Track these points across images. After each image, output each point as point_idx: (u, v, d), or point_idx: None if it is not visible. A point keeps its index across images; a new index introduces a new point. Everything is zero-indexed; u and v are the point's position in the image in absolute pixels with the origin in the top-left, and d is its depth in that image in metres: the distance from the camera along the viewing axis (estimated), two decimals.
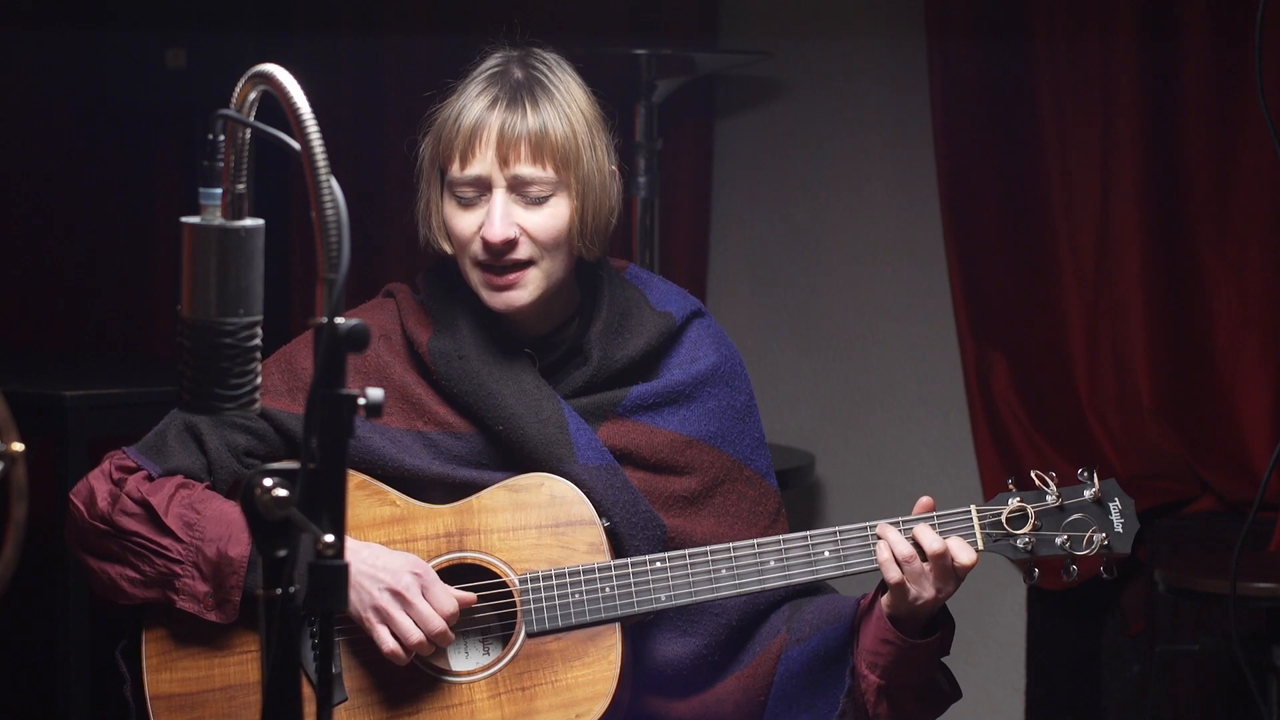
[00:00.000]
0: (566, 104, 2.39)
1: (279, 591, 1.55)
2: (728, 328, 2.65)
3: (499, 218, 2.36)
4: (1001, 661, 4.34)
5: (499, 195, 2.37)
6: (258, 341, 1.67)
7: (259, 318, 1.67)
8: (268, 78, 1.62)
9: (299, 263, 4.71)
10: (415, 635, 2.33)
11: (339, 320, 1.55)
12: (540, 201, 2.38)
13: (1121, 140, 4.10)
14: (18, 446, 1.53)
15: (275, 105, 1.63)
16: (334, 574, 1.54)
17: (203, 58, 4.40)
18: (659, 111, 4.35)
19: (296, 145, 1.59)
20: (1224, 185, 4.03)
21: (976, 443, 4.27)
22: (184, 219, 1.66)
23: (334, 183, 1.57)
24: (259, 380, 1.68)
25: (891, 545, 2.29)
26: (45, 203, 4.65)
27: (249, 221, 1.66)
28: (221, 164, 1.65)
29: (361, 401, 1.55)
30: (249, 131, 1.65)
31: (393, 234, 4.59)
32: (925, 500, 2.36)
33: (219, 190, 1.65)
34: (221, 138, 1.65)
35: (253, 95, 1.66)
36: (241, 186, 1.65)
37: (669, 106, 4.41)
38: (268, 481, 1.56)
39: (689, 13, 4.62)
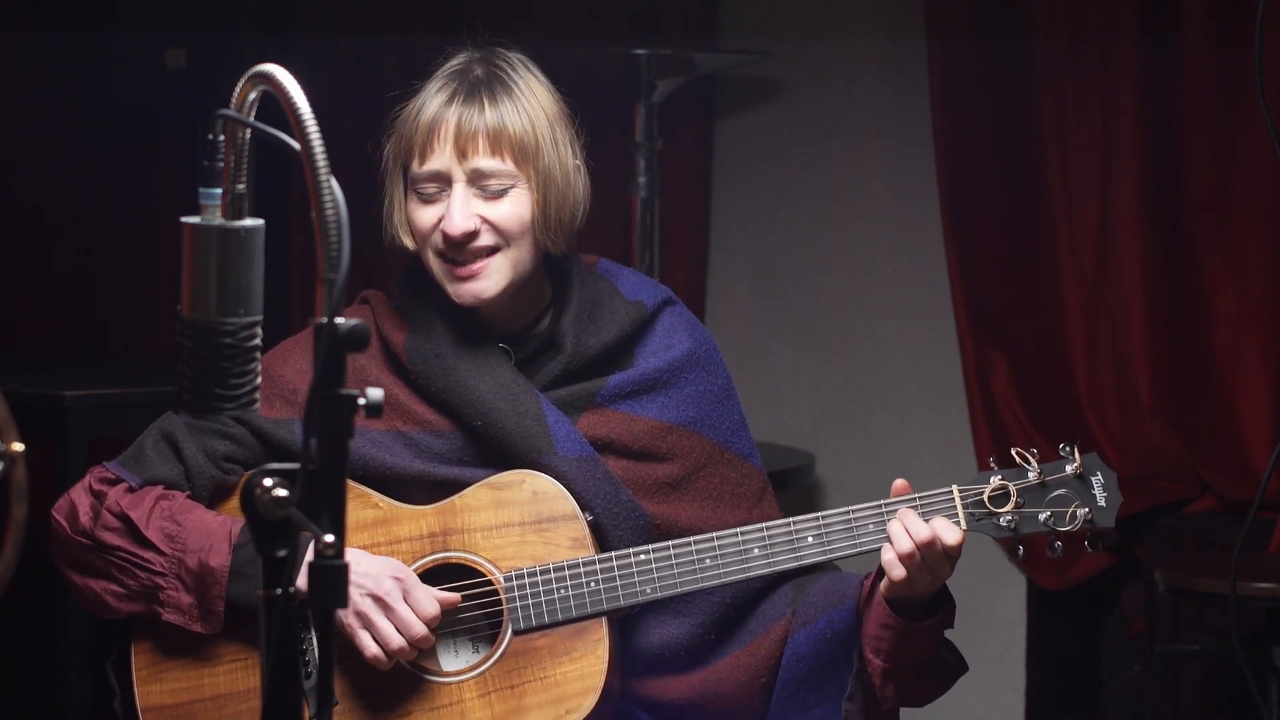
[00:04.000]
0: (526, 98, 2.40)
1: (279, 592, 1.55)
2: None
3: (458, 211, 2.38)
4: (1001, 661, 4.34)
5: (458, 189, 2.39)
6: (258, 341, 1.68)
7: (259, 318, 1.67)
8: (268, 78, 1.62)
9: (299, 262, 4.71)
10: (396, 641, 2.34)
11: (339, 320, 1.54)
12: (500, 194, 2.39)
13: (1121, 140, 4.10)
14: (18, 446, 1.52)
15: (275, 105, 1.63)
16: (334, 574, 1.54)
17: (203, 58, 4.40)
18: (659, 111, 4.35)
19: (296, 145, 1.59)
20: (1224, 185, 4.03)
21: (976, 443, 4.27)
22: (184, 219, 1.66)
23: (334, 183, 1.57)
24: (259, 380, 1.68)
25: (896, 548, 2.29)
26: (45, 203, 4.64)
27: (249, 221, 1.66)
28: (221, 164, 1.65)
29: (361, 402, 1.55)
30: (249, 131, 1.65)
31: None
32: (901, 483, 2.37)
33: (219, 190, 1.65)
34: (221, 138, 1.65)
35: (253, 95, 1.65)
36: (241, 186, 1.65)
37: (669, 106, 4.41)
38: (268, 481, 1.56)
39: (689, 13, 4.61)
